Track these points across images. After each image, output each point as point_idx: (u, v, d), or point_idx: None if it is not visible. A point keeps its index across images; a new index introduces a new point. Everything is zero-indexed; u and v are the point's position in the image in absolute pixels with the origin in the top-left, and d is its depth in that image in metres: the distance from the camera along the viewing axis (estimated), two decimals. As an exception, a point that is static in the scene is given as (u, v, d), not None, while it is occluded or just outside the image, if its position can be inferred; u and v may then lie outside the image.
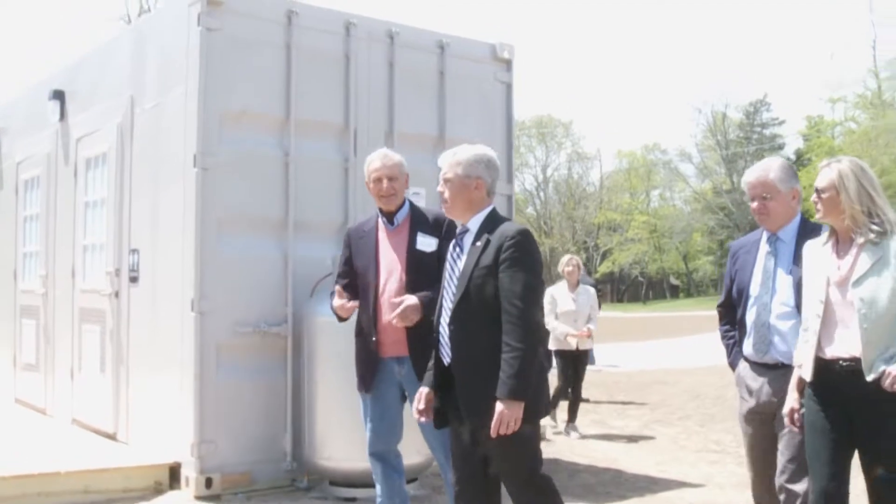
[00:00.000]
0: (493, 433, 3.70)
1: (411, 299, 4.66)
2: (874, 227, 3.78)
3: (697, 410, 11.18)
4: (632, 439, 9.40)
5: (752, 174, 4.42)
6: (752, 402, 4.39)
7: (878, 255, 3.77)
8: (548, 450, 8.13)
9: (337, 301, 4.89)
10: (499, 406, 3.70)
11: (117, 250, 6.94)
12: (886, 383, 3.60)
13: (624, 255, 60.48)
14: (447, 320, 3.96)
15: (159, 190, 6.50)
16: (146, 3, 37.24)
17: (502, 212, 7.29)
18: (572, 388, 9.64)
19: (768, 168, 4.36)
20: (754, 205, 4.39)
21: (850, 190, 3.80)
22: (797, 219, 4.38)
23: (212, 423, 5.96)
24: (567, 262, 9.83)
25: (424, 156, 6.88)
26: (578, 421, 9.67)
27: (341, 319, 5.00)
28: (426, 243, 4.91)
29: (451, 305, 3.95)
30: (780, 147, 59.63)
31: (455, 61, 7.23)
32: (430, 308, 4.42)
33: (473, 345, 3.88)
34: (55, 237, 8.11)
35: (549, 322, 9.28)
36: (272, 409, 6.24)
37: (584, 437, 9.35)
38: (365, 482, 5.56)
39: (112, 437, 6.89)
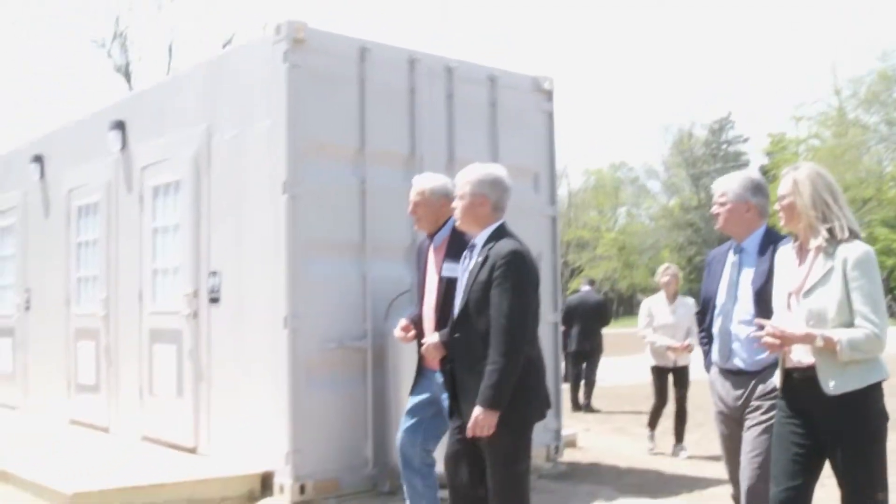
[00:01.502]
0: (468, 434, 4.26)
1: (433, 339, 5.06)
2: (823, 234, 3.84)
3: (707, 417, 11.81)
4: (657, 444, 10.02)
5: (716, 183, 4.76)
6: (721, 406, 4.62)
7: (829, 265, 3.83)
8: (588, 454, 8.88)
9: (397, 332, 5.41)
10: (476, 410, 4.22)
11: (194, 273, 7.47)
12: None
13: (594, 271, 61.35)
14: (452, 329, 4.53)
15: (242, 216, 7.05)
16: (119, 27, 37.96)
17: (545, 231, 8.21)
18: (677, 406, 9.33)
19: (731, 178, 4.66)
20: (712, 209, 4.71)
21: (805, 195, 3.88)
22: (761, 230, 4.58)
23: (303, 433, 6.51)
24: (663, 272, 9.43)
25: None
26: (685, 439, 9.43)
27: None
28: (451, 269, 5.11)
29: (455, 315, 4.52)
30: (745, 164, 61.11)
31: (504, 92, 7.90)
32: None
33: (472, 353, 4.38)
34: (117, 262, 8.61)
35: (647, 335, 9.25)
36: (355, 419, 6.80)
37: (691, 457, 9.09)
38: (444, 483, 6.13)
39: (192, 451, 7.40)
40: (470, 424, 4.25)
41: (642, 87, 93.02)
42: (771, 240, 4.52)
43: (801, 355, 3.87)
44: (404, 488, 5.50)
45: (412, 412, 5.44)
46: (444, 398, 4.99)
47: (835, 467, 3.85)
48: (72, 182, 9.49)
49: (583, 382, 13.48)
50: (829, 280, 3.81)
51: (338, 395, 6.76)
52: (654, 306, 9.33)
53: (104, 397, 8.76)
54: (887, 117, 48.36)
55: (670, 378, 9.45)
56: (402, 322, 5.40)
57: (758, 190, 4.61)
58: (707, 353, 4.78)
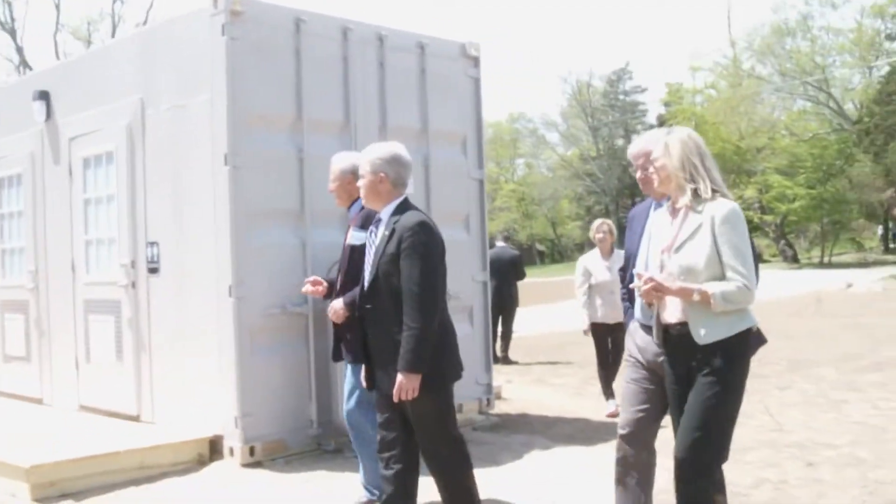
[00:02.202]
0: (394, 399, 4.61)
1: (336, 304, 5.77)
2: (689, 193, 4.12)
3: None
4: (578, 393, 10.57)
5: (635, 146, 4.83)
6: (637, 356, 4.70)
7: (698, 223, 4.08)
8: (515, 405, 9.35)
9: (305, 287, 6.16)
10: (399, 377, 4.53)
11: (131, 244, 7.61)
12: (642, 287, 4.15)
13: (493, 224, 62.27)
14: (363, 300, 4.87)
15: (181, 187, 7.22)
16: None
17: (473, 193, 8.60)
18: (612, 360, 9.25)
19: (651, 141, 4.65)
20: (638, 174, 4.77)
21: (674, 158, 4.13)
22: None
23: (250, 397, 6.79)
24: (597, 229, 9.35)
25: (410, 147, 7.81)
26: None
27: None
28: (356, 237, 5.66)
29: (365, 287, 4.85)
30: (643, 113, 62.62)
31: (433, 59, 8.18)
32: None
33: (383, 323, 4.67)
34: (45, 233, 8.66)
35: (579, 296, 9.32)
36: (298, 382, 7.10)
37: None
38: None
39: (134, 418, 7.60)
40: (395, 390, 4.56)
41: (540, 38, 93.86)
42: None
43: (673, 313, 4.17)
44: (359, 459, 5.89)
45: (354, 383, 5.78)
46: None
47: (688, 405, 4.15)
48: (-8, 153, 9.45)
49: (500, 335, 13.94)
50: (696, 236, 4.08)
51: (281, 360, 7.04)
52: (590, 264, 9.35)
53: (36, 368, 8.84)
54: (781, 68, 50.09)
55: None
56: (313, 277, 6.05)
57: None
58: (627, 310, 4.97)
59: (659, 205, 4.68)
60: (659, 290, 4.11)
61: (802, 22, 49.61)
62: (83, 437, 7.11)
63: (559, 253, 68.74)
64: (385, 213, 4.82)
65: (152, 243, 7.47)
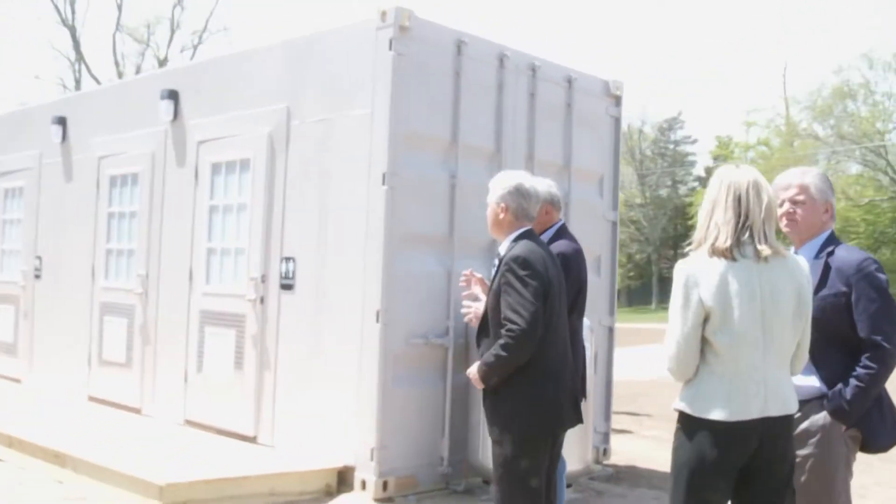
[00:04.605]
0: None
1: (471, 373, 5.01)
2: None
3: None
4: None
5: (786, 177, 4.33)
6: None
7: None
8: (619, 457, 9.14)
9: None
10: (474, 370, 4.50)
11: (263, 257, 7.48)
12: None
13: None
14: (477, 337, 4.74)
15: (326, 203, 7.09)
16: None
17: (606, 235, 8.44)
18: None
19: (806, 172, 4.31)
20: (782, 208, 4.25)
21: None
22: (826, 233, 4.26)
23: (387, 429, 6.61)
24: None
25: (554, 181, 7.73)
26: None
27: None
28: None
29: (479, 327, 4.72)
30: (692, 164, 62.50)
31: (578, 95, 8.07)
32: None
33: None
34: (161, 238, 8.55)
35: None
36: (433, 416, 6.93)
37: None
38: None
39: (251, 439, 7.43)
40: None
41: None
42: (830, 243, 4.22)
43: None
44: None
45: None
46: None
47: None
48: (104, 150, 9.37)
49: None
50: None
51: (419, 392, 6.88)
52: None
53: (137, 377, 8.71)
54: (838, 130, 49.93)
55: None
56: (480, 276, 5.24)
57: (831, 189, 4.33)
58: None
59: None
60: None
61: (864, 85, 49.45)
62: (208, 457, 6.95)
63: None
64: (502, 247, 4.70)
65: (288, 258, 7.34)
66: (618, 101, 8.57)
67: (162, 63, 41.21)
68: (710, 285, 3.53)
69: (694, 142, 64.25)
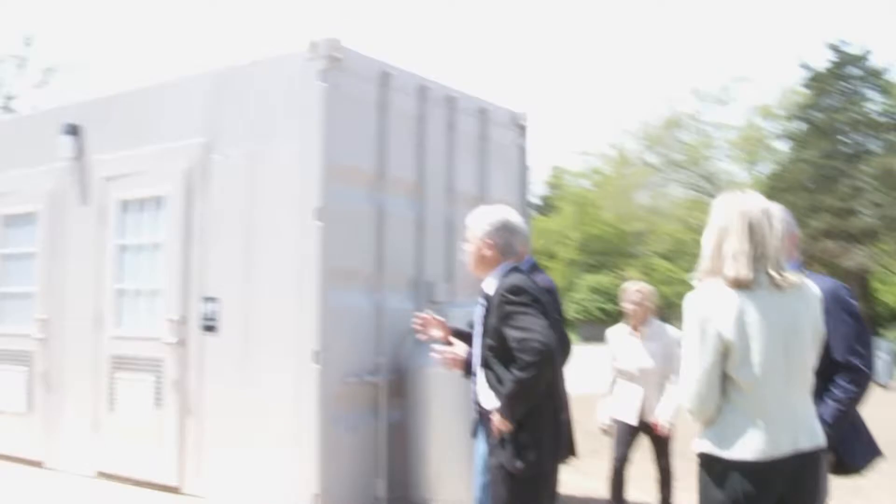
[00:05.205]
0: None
1: (455, 353, 4.77)
2: None
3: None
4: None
5: None
6: None
7: None
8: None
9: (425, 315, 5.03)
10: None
11: (182, 298, 7.09)
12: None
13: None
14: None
15: (255, 240, 6.76)
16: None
17: None
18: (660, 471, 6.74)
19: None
20: None
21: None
22: None
23: (328, 473, 6.32)
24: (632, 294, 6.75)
25: (467, 211, 7.63)
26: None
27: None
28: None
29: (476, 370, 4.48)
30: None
31: (491, 126, 8.01)
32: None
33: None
34: (64, 279, 8.00)
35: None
36: (368, 457, 6.65)
37: None
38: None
39: (174, 490, 6.99)
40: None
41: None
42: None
43: None
44: None
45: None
46: None
47: None
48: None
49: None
50: None
51: (354, 432, 6.60)
52: (616, 342, 6.84)
53: (38, 427, 8.09)
54: (668, 158, 51.91)
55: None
56: (441, 318, 5.01)
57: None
58: None
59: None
60: None
61: (693, 116, 51.61)
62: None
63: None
64: (488, 284, 4.44)
65: (210, 298, 6.97)
66: (523, 131, 8.53)
67: (8, 100, 38.71)
68: (728, 318, 3.36)
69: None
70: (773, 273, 3.44)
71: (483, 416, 4.53)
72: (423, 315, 4.96)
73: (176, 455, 7.02)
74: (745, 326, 3.36)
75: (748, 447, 3.31)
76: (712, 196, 50.98)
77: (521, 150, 8.54)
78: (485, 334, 4.38)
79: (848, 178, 36.71)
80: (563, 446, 4.45)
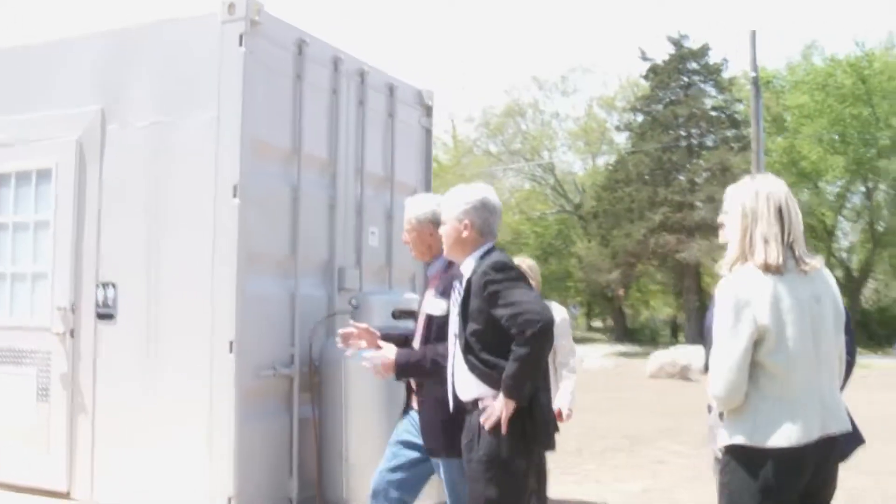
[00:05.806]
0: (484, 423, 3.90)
1: (385, 356, 4.45)
2: None
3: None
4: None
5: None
6: None
7: None
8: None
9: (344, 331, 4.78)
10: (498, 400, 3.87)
11: (73, 283, 6.35)
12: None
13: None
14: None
15: (162, 220, 6.09)
16: None
17: None
18: None
19: None
20: None
21: None
22: None
23: (244, 473, 5.77)
24: None
25: (375, 195, 7.24)
26: None
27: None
28: (437, 305, 4.51)
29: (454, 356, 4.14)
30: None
31: (398, 104, 7.56)
32: (405, 370, 4.40)
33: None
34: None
35: None
36: (281, 454, 6.13)
37: None
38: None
39: (63, 495, 6.25)
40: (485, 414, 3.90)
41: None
42: None
43: None
44: None
45: (395, 454, 4.72)
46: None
47: None
48: None
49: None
50: None
51: (267, 429, 6.04)
52: None
53: None
54: (509, 148, 52.44)
55: None
56: (365, 326, 4.70)
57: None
58: None
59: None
60: None
61: (533, 105, 52.25)
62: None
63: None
64: (466, 267, 4.12)
65: (106, 284, 6.26)
66: (429, 111, 8.11)
67: None
68: (764, 303, 3.24)
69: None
70: (800, 257, 3.36)
71: (459, 411, 4.15)
72: (345, 331, 4.68)
73: (65, 458, 6.27)
74: (781, 312, 3.25)
75: (783, 434, 3.22)
76: (551, 187, 52.00)
77: (427, 132, 8.13)
78: (465, 319, 4.00)
79: (686, 171, 37.99)
80: (551, 431, 4.11)
